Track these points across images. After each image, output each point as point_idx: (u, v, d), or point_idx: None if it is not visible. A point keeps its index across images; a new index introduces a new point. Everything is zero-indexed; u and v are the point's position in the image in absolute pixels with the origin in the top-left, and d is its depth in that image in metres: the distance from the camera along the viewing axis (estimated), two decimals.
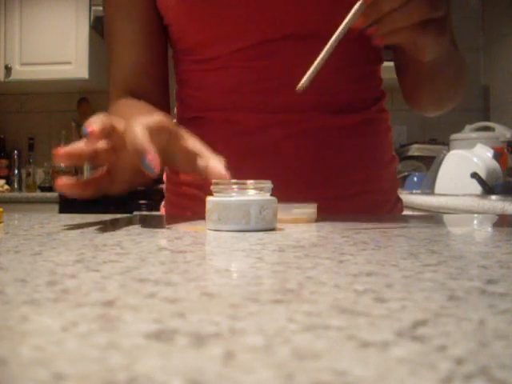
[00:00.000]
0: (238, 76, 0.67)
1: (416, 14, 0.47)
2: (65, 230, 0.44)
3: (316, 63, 0.48)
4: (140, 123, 0.44)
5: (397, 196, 0.78)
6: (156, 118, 0.47)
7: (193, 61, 0.70)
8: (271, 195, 0.45)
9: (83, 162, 0.47)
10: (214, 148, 0.69)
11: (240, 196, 0.43)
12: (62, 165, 0.48)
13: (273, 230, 0.44)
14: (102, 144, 0.46)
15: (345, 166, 0.69)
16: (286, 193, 0.55)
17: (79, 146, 0.45)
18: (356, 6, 0.47)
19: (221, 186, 0.44)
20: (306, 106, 0.67)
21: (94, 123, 0.43)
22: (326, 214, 0.56)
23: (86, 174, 3.09)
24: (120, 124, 0.46)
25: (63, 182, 0.45)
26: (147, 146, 0.42)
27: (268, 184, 0.45)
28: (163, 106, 0.70)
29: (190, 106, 0.73)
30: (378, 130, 0.73)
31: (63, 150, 0.44)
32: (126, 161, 0.47)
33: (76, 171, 3.18)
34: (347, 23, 0.48)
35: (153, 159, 0.42)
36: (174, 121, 0.75)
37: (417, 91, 0.69)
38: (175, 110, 0.77)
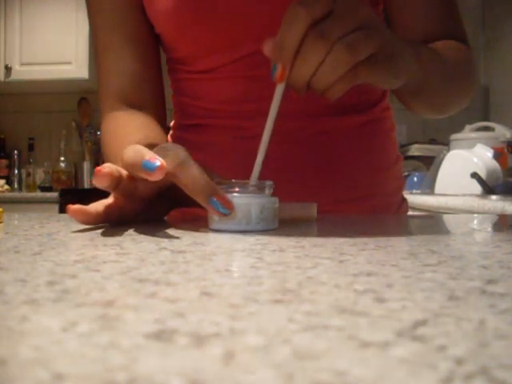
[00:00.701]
0: (237, 86, 0.66)
1: (339, 65, 0.42)
2: (65, 230, 0.44)
3: (257, 163, 0.46)
4: (190, 161, 0.43)
5: (402, 196, 0.77)
6: (184, 149, 0.45)
7: (188, 71, 0.69)
8: (272, 195, 0.45)
9: (114, 187, 0.44)
10: (218, 151, 0.69)
11: (241, 196, 0.43)
12: (98, 183, 0.46)
13: (273, 230, 0.44)
14: (124, 172, 0.45)
15: (351, 169, 0.68)
16: (292, 197, 0.54)
17: (112, 167, 0.43)
18: (277, 90, 0.45)
19: (222, 186, 0.44)
20: (311, 111, 0.66)
21: (156, 157, 0.41)
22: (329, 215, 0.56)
23: (86, 173, 3.09)
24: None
25: (76, 208, 0.43)
26: (214, 188, 0.42)
27: (269, 184, 0.45)
28: (160, 113, 0.69)
29: (189, 114, 0.72)
30: (382, 129, 0.72)
31: (105, 169, 0.42)
32: (141, 192, 0.46)
33: (76, 172, 3.18)
34: (272, 115, 0.46)
35: (225, 201, 0.42)
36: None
37: (408, 101, 0.66)
38: (172, 115, 0.76)
